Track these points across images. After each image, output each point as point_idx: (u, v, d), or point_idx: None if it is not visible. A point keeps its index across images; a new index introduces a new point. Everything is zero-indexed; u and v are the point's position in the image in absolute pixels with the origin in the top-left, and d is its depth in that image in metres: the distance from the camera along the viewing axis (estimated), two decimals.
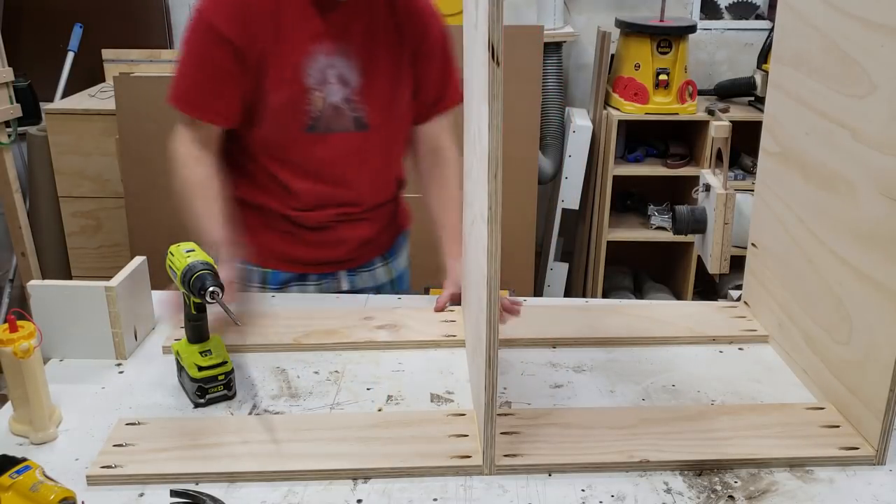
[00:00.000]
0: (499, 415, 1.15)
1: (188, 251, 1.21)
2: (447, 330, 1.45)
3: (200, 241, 1.32)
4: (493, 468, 1.07)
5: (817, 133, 1.22)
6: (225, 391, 1.24)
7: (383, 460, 1.08)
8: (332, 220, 1.59)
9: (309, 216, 1.58)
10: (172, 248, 1.23)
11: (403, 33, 1.51)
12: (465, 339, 1.41)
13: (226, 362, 1.24)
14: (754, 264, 1.49)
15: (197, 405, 1.23)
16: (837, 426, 1.16)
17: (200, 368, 1.21)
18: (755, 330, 1.46)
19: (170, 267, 1.22)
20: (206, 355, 1.23)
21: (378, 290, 1.71)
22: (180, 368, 1.26)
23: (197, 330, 1.24)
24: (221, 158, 1.56)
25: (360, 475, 1.07)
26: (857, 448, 1.11)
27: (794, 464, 1.10)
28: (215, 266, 1.20)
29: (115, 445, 1.11)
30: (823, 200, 1.21)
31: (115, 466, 1.07)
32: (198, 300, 1.18)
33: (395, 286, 1.74)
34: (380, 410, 1.23)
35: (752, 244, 1.49)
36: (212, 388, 1.22)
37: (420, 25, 1.53)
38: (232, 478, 1.06)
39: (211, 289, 1.14)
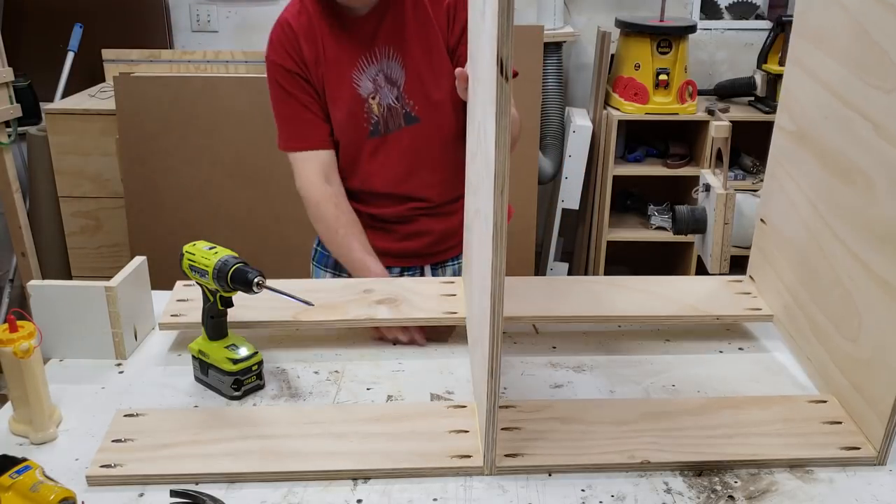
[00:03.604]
0: (500, 407, 1.13)
1: (209, 248, 1.23)
2: (448, 307, 1.42)
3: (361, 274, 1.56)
4: (493, 469, 1.07)
5: (837, 119, 1.17)
6: (258, 381, 1.27)
7: (383, 460, 1.08)
8: (409, 213, 1.66)
9: (386, 212, 1.66)
10: (187, 247, 1.25)
11: (434, 21, 1.54)
12: (468, 333, 1.39)
13: (256, 353, 1.27)
14: (762, 240, 1.46)
15: (233, 398, 1.24)
16: (839, 422, 1.15)
17: (235, 362, 1.23)
18: (760, 308, 1.43)
19: (191, 267, 1.23)
20: (232, 349, 1.25)
21: None
22: (205, 366, 1.26)
23: (219, 326, 1.26)
24: None
25: (359, 475, 1.07)
26: (859, 448, 1.11)
27: (795, 464, 1.09)
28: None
29: (113, 441, 1.11)
30: (839, 191, 1.17)
31: (115, 466, 1.06)
32: (228, 294, 1.22)
33: None
34: None
35: (761, 220, 1.45)
36: (247, 379, 1.25)
37: (448, 7, 1.54)
38: (231, 478, 1.06)
39: (257, 279, 1.18)
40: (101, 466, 1.06)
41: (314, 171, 1.59)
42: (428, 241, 1.69)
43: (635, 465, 1.08)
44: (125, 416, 1.16)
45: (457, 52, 1.57)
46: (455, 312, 1.41)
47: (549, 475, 1.07)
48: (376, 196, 1.66)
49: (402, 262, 1.72)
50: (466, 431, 1.13)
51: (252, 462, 1.08)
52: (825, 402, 1.20)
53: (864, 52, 1.09)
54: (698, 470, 1.08)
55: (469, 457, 1.08)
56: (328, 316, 1.39)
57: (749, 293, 1.48)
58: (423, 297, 1.45)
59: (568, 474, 1.07)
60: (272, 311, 1.40)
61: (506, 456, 1.08)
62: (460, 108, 1.56)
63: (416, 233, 1.69)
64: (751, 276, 1.52)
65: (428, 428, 1.14)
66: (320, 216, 1.60)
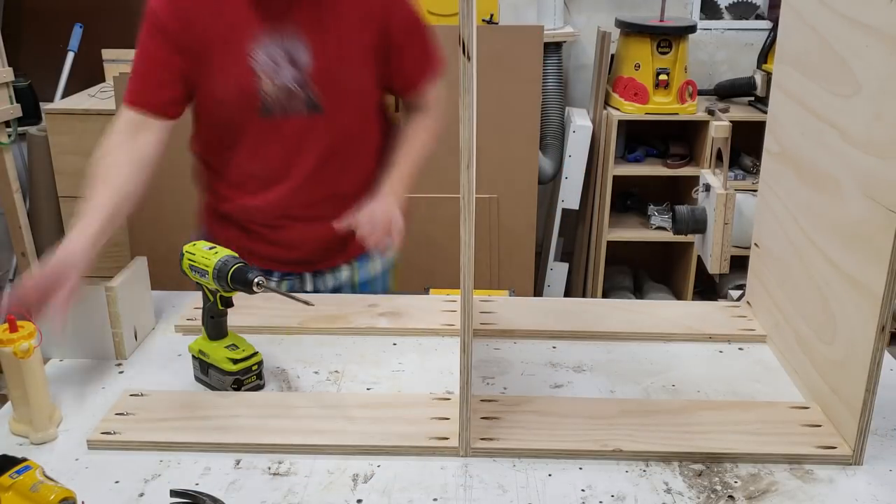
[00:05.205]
0: (482, 401, 1.19)
1: (209, 248, 1.23)
2: (448, 320, 1.47)
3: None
4: (468, 451, 1.10)
5: (811, 133, 1.22)
6: (258, 381, 1.27)
7: (365, 438, 1.12)
8: (283, 214, 1.56)
9: (260, 212, 1.57)
10: (187, 247, 1.25)
11: (363, 15, 1.47)
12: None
13: (256, 353, 1.27)
14: (756, 264, 1.49)
15: None
16: (819, 426, 1.16)
17: (235, 362, 1.24)
18: (753, 330, 1.45)
19: (191, 267, 1.23)
20: (233, 349, 1.25)
21: (340, 292, 1.68)
22: (205, 366, 1.26)
23: (219, 326, 1.26)
24: (196, 155, 1.61)
25: (342, 451, 1.11)
26: (835, 448, 1.11)
27: (766, 460, 1.10)
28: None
29: (117, 414, 1.16)
30: (814, 200, 1.21)
31: (114, 433, 1.12)
32: (228, 294, 1.22)
33: (359, 290, 1.68)
34: None
35: (755, 244, 1.49)
36: (247, 379, 1.25)
37: (380, 4, 1.48)
38: (222, 448, 1.11)
39: (257, 279, 1.18)
40: (102, 433, 1.12)
41: (128, 124, 1.46)
42: (306, 252, 1.59)
43: (608, 453, 1.10)
44: (131, 395, 1.22)
45: (394, 46, 1.49)
46: (453, 325, 1.45)
47: (550, 475, 1.07)
48: (255, 180, 1.55)
49: (280, 267, 1.63)
50: (447, 419, 1.16)
51: (243, 435, 1.13)
52: (807, 408, 1.21)
53: (829, 65, 1.16)
54: (668, 460, 1.09)
55: (446, 439, 1.12)
56: (332, 324, 1.45)
57: (745, 316, 1.50)
58: (424, 311, 1.51)
59: (567, 472, 1.08)
60: (281, 318, 1.46)
61: (482, 439, 1.11)
62: (376, 107, 1.51)
63: (288, 242, 1.59)
64: (748, 302, 1.54)
65: (411, 415, 1.18)
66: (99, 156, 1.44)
